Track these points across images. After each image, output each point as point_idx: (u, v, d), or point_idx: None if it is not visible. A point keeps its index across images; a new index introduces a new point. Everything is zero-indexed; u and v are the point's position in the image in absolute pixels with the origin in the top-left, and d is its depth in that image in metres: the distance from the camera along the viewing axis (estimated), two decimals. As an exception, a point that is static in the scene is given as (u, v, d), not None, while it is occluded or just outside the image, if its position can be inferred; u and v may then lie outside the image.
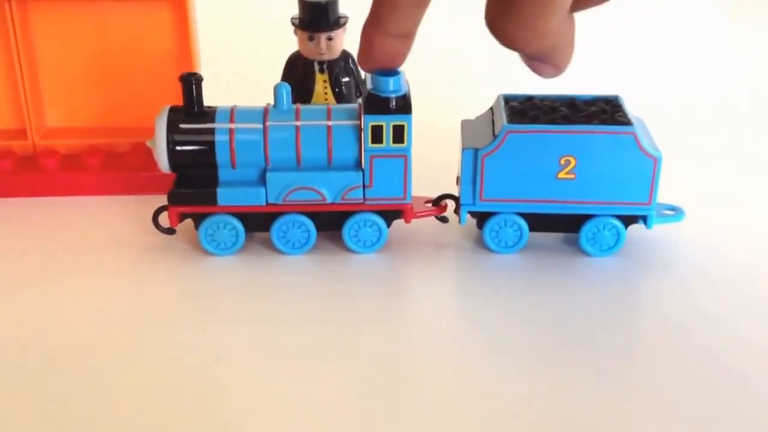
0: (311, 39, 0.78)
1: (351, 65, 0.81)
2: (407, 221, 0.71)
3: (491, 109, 0.73)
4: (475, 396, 0.56)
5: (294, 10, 0.79)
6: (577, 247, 0.71)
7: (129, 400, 0.56)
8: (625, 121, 0.67)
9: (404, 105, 0.66)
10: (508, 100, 0.71)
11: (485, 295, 0.67)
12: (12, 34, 0.76)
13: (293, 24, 0.79)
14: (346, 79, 0.80)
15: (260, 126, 0.68)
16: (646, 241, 0.72)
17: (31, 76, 0.78)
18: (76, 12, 0.77)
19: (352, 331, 0.62)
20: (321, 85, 0.79)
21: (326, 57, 0.79)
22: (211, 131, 0.68)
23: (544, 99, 0.71)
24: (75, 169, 0.80)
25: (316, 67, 0.79)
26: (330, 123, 0.68)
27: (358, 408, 0.55)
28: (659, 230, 0.73)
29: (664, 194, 0.72)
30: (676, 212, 0.72)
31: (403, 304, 0.66)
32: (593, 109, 0.69)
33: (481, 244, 0.72)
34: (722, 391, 0.56)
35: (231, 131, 0.68)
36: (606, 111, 0.68)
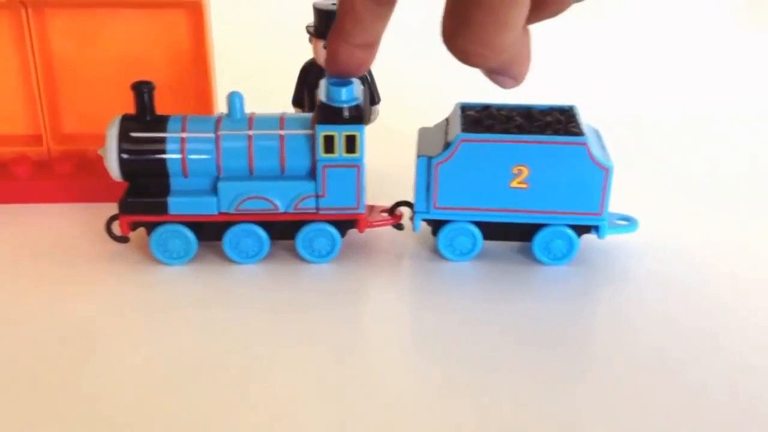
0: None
1: (366, 73, 0.81)
2: (361, 231, 0.71)
3: (448, 117, 0.72)
4: (430, 404, 0.56)
5: (309, 17, 0.79)
6: (531, 256, 0.71)
7: (73, 412, 0.55)
8: (577, 132, 0.67)
9: (357, 115, 0.66)
10: (465, 108, 0.71)
11: (439, 303, 0.67)
12: (28, 40, 0.76)
13: (308, 32, 0.79)
14: (361, 87, 0.79)
15: (212, 135, 0.67)
16: (601, 250, 0.72)
17: (48, 82, 0.78)
18: (93, 18, 0.77)
19: (305, 341, 0.62)
20: None
21: None
22: (162, 140, 0.67)
23: (500, 108, 0.71)
24: (89, 176, 0.80)
25: None
26: (283, 132, 0.68)
27: (312, 420, 0.55)
28: (615, 240, 0.73)
29: (622, 205, 0.73)
30: (629, 223, 0.73)
31: (357, 313, 0.66)
32: (548, 119, 0.69)
33: (436, 252, 0.72)
34: (680, 395, 0.57)
35: (182, 140, 0.67)
36: (560, 121, 0.69)
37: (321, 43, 0.78)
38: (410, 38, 1.14)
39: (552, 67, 1.09)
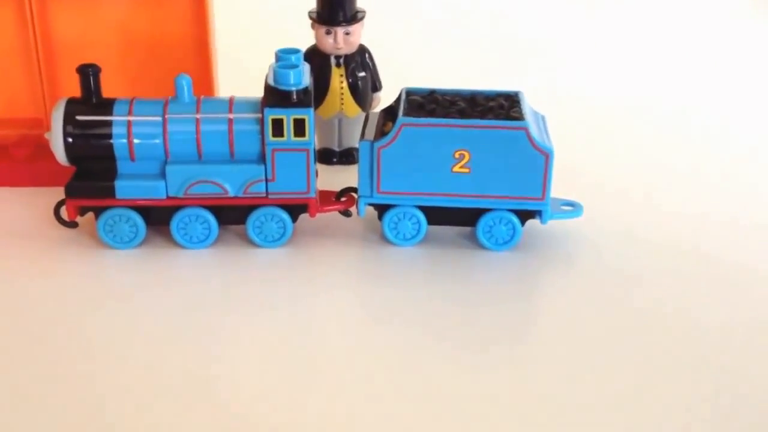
0: (328, 33, 0.78)
1: (368, 60, 0.82)
2: (312, 215, 0.71)
3: (393, 103, 0.74)
4: (374, 385, 0.57)
5: (312, 2, 0.79)
6: (474, 241, 0.73)
7: (25, 401, 0.55)
8: (518, 117, 0.69)
9: (305, 98, 0.66)
10: (410, 93, 0.72)
11: (385, 287, 0.67)
12: (30, 23, 0.75)
13: (310, 17, 0.79)
14: (363, 74, 0.81)
15: (159, 118, 0.68)
16: (546, 236, 0.74)
17: (49, 66, 0.77)
18: (95, 1, 0.76)
19: (253, 323, 0.63)
20: (337, 79, 0.80)
21: (343, 51, 0.79)
22: (109, 123, 0.67)
23: (445, 93, 0.72)
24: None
25: (333, 61, 0.80)
26: (231, 116, 0.68)
27: (261, 405, 0.55)
28: (561, 226, 0.74)
29: (571, 191, 0.74)
30: (574, 208, 0.74)
31: (307, 295, 0.66)
32: (491, 104, 0.71)
33: (382, 236, 0.73)
34: (624, 383, 0.58)
35: (129, 123, 0.67)
36: (503, 106, 0.70)
37: (323, 29, 0.79)
38: (416, 25, 1.18)
39: (508, 52, 1.13)
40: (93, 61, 0.69)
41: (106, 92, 0.70)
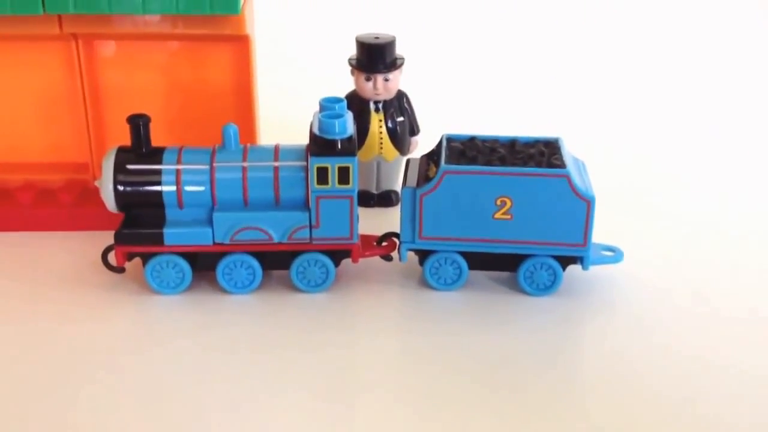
0: (368, 79, 0.80)
1: (405, 105, 0.84)
2: (354, 261, 0.72)
3: (434, 149, 0.74)
4: None
5: (352, 50, 0.81)
6: (515, 286, 0.72)
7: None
8: (559, 164, 0.69)
9: (349, 147, 0.67)
10: (450, 140, 0.73)
11: (426, 331, 0.67)
12: (78, 71, 0.77)
13: (350, 64, 0.81)
14: (401, 118, 0.83)
15: (207, 167, 0.69)
16: (586, 281, 0.73)
17: (95, 112, 0.79)
18: (140, 50, 0.78)
19: (295, 367, 0.63)
20: (376, 124, 0.82)
21: (382, 97, 0.81)
22: (158, 172, 0.68)
23: (485, 140, 0.73)
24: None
25: (372, 106, 0.81)
26: (277, 164, 0.69)
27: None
28: (601, 271, 0.74)
29: (610, 236, 0.74)
30: (614, 254, 0.74)
31: (349, 341, 0.66)
32: (531, 151, 0.71)
33: (423, 281, 0.73)
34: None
35: (178, 172, 0.68)
36: (543, 153, 0.70)
37: (363, 76, 0.81)
38: (452, 70, 1.19)
39: (542, 98, 1.13)
40: (137, 107, 0.70)
41: (154, 140, 0.71)
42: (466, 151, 0.72)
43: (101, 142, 0.80)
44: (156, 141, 0.71)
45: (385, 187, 0.87)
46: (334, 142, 0.67)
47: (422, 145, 0.84)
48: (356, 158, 0.68)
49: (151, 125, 0.70)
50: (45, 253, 0.76)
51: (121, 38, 0.77)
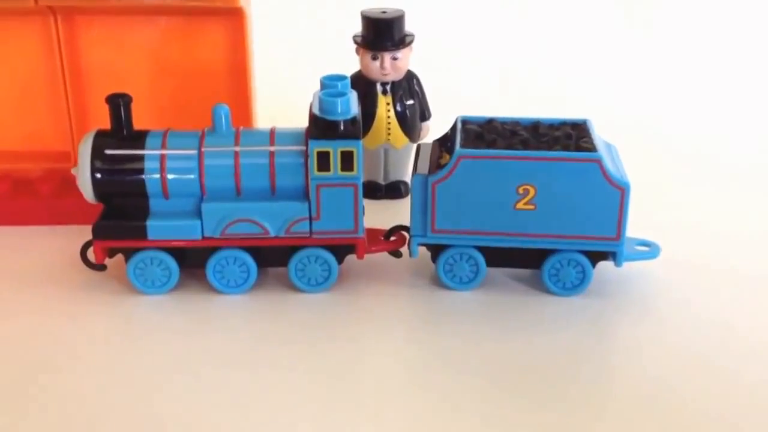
0: (374, 58, 0.75)
1: (416, 87, 0.79)
2: (360, 257, 0.66)
3: (448, 131, 0.68)
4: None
5: (357, 26, 0.76)
6: (539, 285, 0.67)
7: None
8: (589, 147, 0.63)
9: (353, 129, 0.62)
10: (466, 122, 0.67)
11: (440, 337, 0.62)
12: (57, 50, 0.72)
13: (355, 42, 0.76)
14: (411, 102, 0.78)
15: (195, 152, 0.63)
16: (618, 279, 0.67)
17: (77, 95, 0.74)
18: (125, 26, 0.73)
19: (297, 377, 0.57)
20: (383, 108, 0.77)
21: (390, 78, 0.77)
22: (140, 158, 0.63)
23: (504, 122, 0.67)
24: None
25: (379, 88, 0.77)
26: (273, 149, 0.63)
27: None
28: (634, 268, 0.68)
29: (641, 229, 0.68)
30: (650, 248, 0.68)
31: (353, 349, 0.61)
32: (557, 133, 0.65)
33: (436, 279, 0.67)
34: None
35: (162, 157, 0.63)
36: (570, 136, 0.65)
37: (369, 55, 0.75)
38: (465, 49, 1.12)
39: (568, 78, 1.07)
40: (124, 90, 0.65)
41: (137, 123, 0.66)
42: (483, 134, 0.66)
43: (83, 129, 0.75)
44: (144, 126, 0.66)
45: (393, 177, 0.82)
46: (336, 124, 0.61)
47: (434, 131, 0.79)
48: (361, 141, 0.62)
49: (139, 110, 0.65)
50: (20, 250, 0.72)
51: (104, 13, 0.73)
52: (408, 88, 0.78)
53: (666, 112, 1.01)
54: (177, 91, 0.75)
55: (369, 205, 0.77)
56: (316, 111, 0.62)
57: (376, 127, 0.78)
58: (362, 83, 0.77)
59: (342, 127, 0.61)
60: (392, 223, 0.69)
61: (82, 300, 0.65)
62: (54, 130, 0.75)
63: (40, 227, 0.75)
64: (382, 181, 0.82)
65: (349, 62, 0.78)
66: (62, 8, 0.71)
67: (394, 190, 0.82)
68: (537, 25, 1.18)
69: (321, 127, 0.61)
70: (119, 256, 0.65)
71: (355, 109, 0.63)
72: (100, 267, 0.66)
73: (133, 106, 0.65)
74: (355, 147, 0.62)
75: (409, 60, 0.77)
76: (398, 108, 0.78)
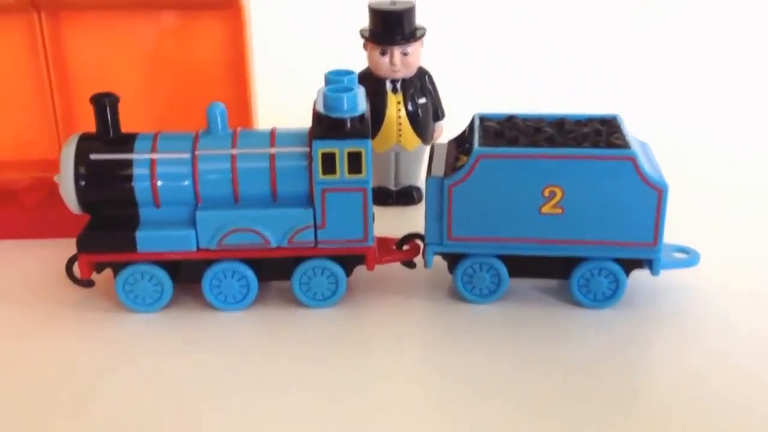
0: (383, 54, 0.73)
1: (428, 84, 0.76)
2: (370, 268, 0.62)
3: (465, 130, 0.65)
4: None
5: (364, 20, 0.73)
6: (568, 297, 0.63)
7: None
8: (622, 144, 0.59)
9: (361, 127, 0.58)
10: (484, 119, 0.64)
11: (459, 356, 0.58)
12: (41, 49, 0.70)
13: (363, 36, 0.74)
14: (423, 100, 0.76)
15: (188, 155, 0.60)
16: (654, 290, 0.64)
17: (64, 98, 0.72)
18: (116, 22, 0.71)
19: (302, 401, 0.53)
20: (394, 107, 0.75)
21: (400, 75, 0.74)
22: (129, 163, 0.60)
23: (527, 118, 0.63)
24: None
25: (389, 86, 0.74)
26: (273, 151, 0.60)
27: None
28: (671, 277, 0.64)
29: (676, 234, 0.65)
30: (689, 256, 0.64)
31: (364, 369, 0.57)
32: (585, 130, 0.61)
33: (454, 292, 0.63)
34: None
35: (152, 162, 0.59)
36: (600, 132, 0.61)
37: (378, 50, 0.73)
38: (482, 45, 1.10)
39: (593, 75, 1.05)
40: (115, 91, 0.62)
41: (130, 127, 0.63)
42: (504, 131, 0.62)
43: (71, 134, 0.71)
44: (138, 130, 0.63)
45: (405, 182, 0.79)
46: (342, 122, 0.58)
47: (448, 132, 0.76)
48: (370, 141, 0.59)
49: (132, 112, 0.63)
50: (3, 264, 0.69)
51: (92, 7, 0.71)
52: (420, 85, 0.76)
53: (700, 110, 0.98)
54: (172, 91, 0.73)
55: (379, 212, 0.75)
56: (320, 108, 0.59)
57: (386, 128, 0.75)
58: (371, 81, 0.74)
59: (349, 126, 0.58)
60: (404, 231, 0.66)
61: (69, 318, 0.62)
62: (39, 136, 0.73)
63: (24, 240, 0.72)
64: (392, 187, 0.79)
65: (357, 59, 0.75)
66: (46, 3, 0.69)
67: (406, 196, 0.79)
68: (558, 14, 1.14)
69: (325, 125, 0.58)
70: (108, 272, 0.62)
71: (363, 105, 0.60)
72: (87, 283, 0.63)
73: (126, 108, 0.62)
74: (364, 147, 0.59)
75: (420, 55, 0.75)
76: (410, 107, 0.75)
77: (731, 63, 1.08)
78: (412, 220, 0.69)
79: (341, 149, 0.58)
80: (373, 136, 0.74)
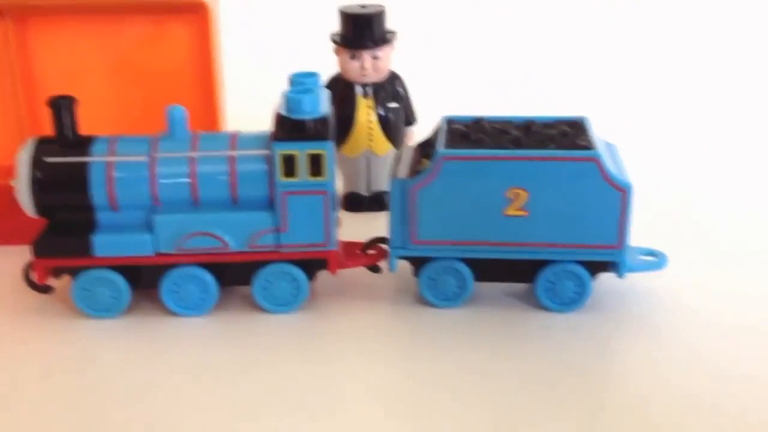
0: (353, 58, 0.72)
1: (399, 89, 0.75)
2: (332, 272, 0.61)
3: (430, 135, 0.64)
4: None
5: (336, 24, 0.73)
6: (534, 301, 0.62)
7: None
8: (586, 145, 0.58)
9: (322, 129, 0.57)
10: (451, 122, 0.63)
11: (424, 360, 0.57)
12: (6, 54, 0.69)
13: (333, 41, 0.73)
14: (394, 105, 0.75)
15: (146, 158, 0.58)
16: (619, 293, 0.63)
17: (31, 104, 0.71)
18: (82, 26, 0.70)
19: (263, 409, 0.52)
20: (364, 112, 0.74)
21: (371, 79, 0.73)
22: (84, 165, 0.58)
23: (494, 121, 0.63)
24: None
25: (359, 91, 0.74)
26: (234, 153, 0.59)
27: None
28: (637, 280, 0.63)
29: (646, 237, 0.64)
30: (656, 258, 0.63)
31: (326, 375, 0.56)
32: (552, 132, 0.61)
33: (419, 296, 0.62)
34: None
35: (109, 165, 0.58)
36: (566, 134, 0.60)
37: (348, 54, 0.72)
38: (454, 48, 1.09)
39: (562, 79, 1.04)
40: (82, 97, 0.61)
41: (98, 131, 0.62)
42: (470, 133, 0.61)
43: None
44: (105, 135, 0.61)
45: (376, 187, 0.78)
46: (302, 123, 0.57)
47: (420, 137, 0.73)
48: (332, 143, 0.58)
49: (99, 116, 0.62)
50: None
51: (59, 12, 0.69)
52: (391, 90, 0.75)
53: (671, 111, 0.98)
54: (140, 96, 0.72)
55: (351, 218, 0.75)
56: (281, 110, 0.58)
57: (357, 133, 0.74)
58: (341, 85, 0.73)
59: (309, 127, 0.57)
60: (374, 236, 0.65)
61: (27, 324, 0.61)
62: (4, 143, 0.71)
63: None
64: (364, 192, 0.78)
65: (328, 63, 0.74)
66: (12, 8, 0.67)
67: (377, 202, 0.78)
68: (531, 18, 1.14)
69: (286, 127, 0.57)
70: (67, 277, 0.61)
71: (325, 107, 0.59)
72: (45, 288, 0.61)
73: (94, 114, 0.61)
74: (325, 149, 0.57)
75: (391, 60, 0.74)
76: (380, 112, 0.74)
77: (703, 64, 1.08)
78: (384, 225, 0.67)
79: (302, 151, 0.57)
80: (344, 141, 0.73)
